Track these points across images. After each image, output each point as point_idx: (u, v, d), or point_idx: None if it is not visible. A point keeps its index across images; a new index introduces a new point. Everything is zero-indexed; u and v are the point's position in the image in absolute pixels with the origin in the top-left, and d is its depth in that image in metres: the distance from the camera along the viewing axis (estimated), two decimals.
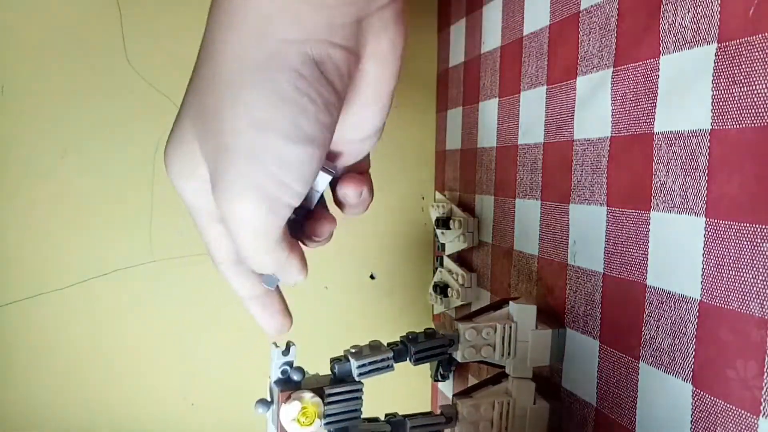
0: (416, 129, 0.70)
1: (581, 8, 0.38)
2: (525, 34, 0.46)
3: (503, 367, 0.41)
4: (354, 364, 0.35)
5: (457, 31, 0.61)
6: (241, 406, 0.68)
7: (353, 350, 0.35)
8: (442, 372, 0.60)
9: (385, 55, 0.26)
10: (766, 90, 0.25)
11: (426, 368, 0.65)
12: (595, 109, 0.37)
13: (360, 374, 0.35)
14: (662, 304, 0.31)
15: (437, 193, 0.67)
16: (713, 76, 0.28)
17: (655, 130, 0.32)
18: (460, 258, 0.59)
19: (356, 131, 0.29)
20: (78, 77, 0.61)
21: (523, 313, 0.39)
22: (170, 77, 0.63)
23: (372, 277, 0.70)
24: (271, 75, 0.23)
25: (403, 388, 0.70)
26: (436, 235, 0.61)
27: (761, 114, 0.25)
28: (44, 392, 0.63)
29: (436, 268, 0.61)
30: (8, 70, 0.60)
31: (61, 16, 0.61)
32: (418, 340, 0.37)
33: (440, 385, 0.66)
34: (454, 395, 0.39)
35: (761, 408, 0.25)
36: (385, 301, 0.70)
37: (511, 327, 0.39)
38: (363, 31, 0.25)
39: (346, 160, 0.31)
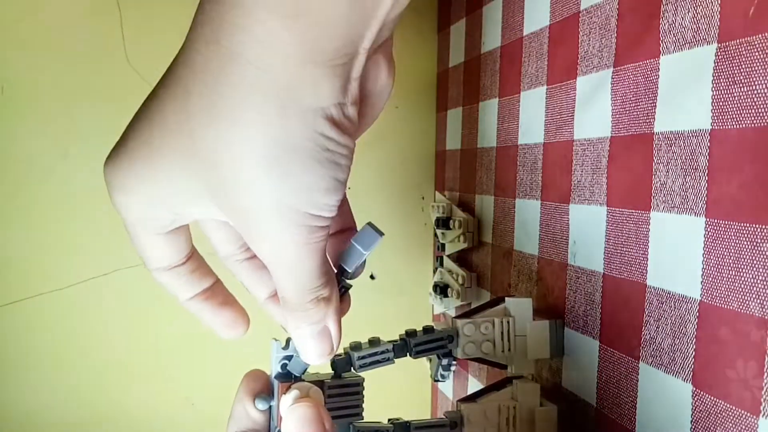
0: (416, 129, 0.70)
1: (581, 8, 0.38)
2: (525, 34, 0.46)
3: (504, 366, 0.41)
4: (354, 356, 0.35)
5: (457, 31, 0.61)
6: None
7: (352, 345, 0.35)
8: (442, 372, 0.60)
9: (377, 97, 0.28)
10: (766, 90, 0.25)
11: (426, 370, 0.65)
12: (595, 109, 0.37)
13: (360, 366, 0.35)
14: (662, 304, 0.31)
15: (437, 193, 0.67)
16: (713, 76, 0.28)
17: (655, 130, 0.32)
18: (460, 258, 0.59)
19: None
20: (78, 77, 0.61)
21: (519, 307, 0.39)
22: None
23: (372, 277, 0.70)
24: (301, 144, 0.24)
25: (404, 390, 0.70)
26: (436, 235, 0.61)
27: (761, 114, 0.25)
28: (44, 392, 0.63)
29: (436, 268, 0.61)
30: (8, 70, 0.60)
31: (61, 16, 0.61)
32: (416, 335, 0.37)
33: (440, 386, 0.66)
34: (458, 400, 0.39)
35: (761, 408, 0.25)
36: (385, 301, 0.70)
37: (509, 321, 0.39)
38: (363, 79, 0.26)
39: None
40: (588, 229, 0.37)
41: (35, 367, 0.63)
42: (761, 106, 0.25)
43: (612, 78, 0.35)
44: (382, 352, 0.35)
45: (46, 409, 0.64)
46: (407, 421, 0.37)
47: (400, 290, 0.70)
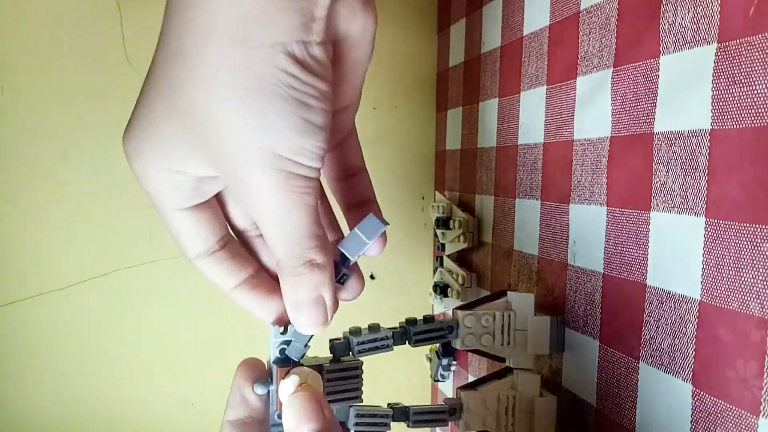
0: (416, 129, 0.70)
1: (581, 8, 0.38)
2: (525, 34, 0.46)
3: (504, 360, 0.41)
4: (353, 341, 0.34)
5: (457, 31, 0.61)
6: None
7: (352, 330, 0.35)
8: (442, 372, 0.60)
9: (356, 40, 0.28)
10: (766, 90, 0.25)
11: (426, 370, 0.65)
12: (595, 109, 0.37)
13: (359, 351, 0.34)
14: (662, 304, 0.31)
15: (437, 193, 0.67)
16: (713, 76, 0.28)
17: (655, 130, 0.32)
18: (460, 258, 0.59)
19: (333, 104, 0.29)
20: (78, 77, 0.61)
21: (521, 301, 0.39)
22: None
23: (372, 277, 0.70)
24: (264, 81, 0.24)
25: (403, 390, 0.71)
26: (436, 235, 0.61)
27: (761, 114, 0.25)
28: (44, 392, 0.63)
29: (436, 268, 0.61)
30: (8, 70, 0.60)
31: (61, 16, 0.61)
32: (417, 324, 0.36)
33: (440, 386, 0.66)
34: (458, 388, 0.39)
35: (761, 408, 0.25)
36: (385, 300, 0.70)
37: (510, 315, 0.39)
38: (333, 21, 0.26)
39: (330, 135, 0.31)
40: (588, 229, 0.37)
41: (35, 367, 0.63)
42: (761, 106, 0.25)
43: (612, 78, 0.35)
44: (382, 339, 0.35)
45: (45, 408, 0.64)
46: (406, 406, 0.37)
47: (400, 290, 0.70)
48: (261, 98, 0.24)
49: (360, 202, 0.34)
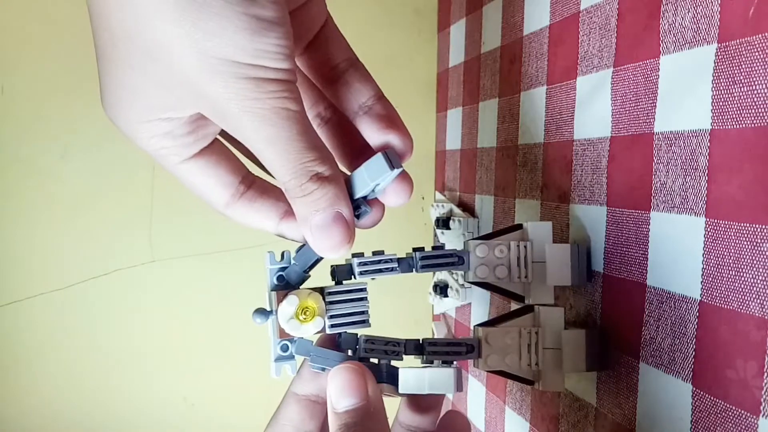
0: (416, 129, 0.69)
1: (581, 8, 0.38)
2: (525, 34, 0.46)
3: (522, 299, 0.37)
4: (355, 262, 0.32)
5: (457, 31, 0.61)
6: (241, 405, 0.68)
7: (354, 254, 0.33)
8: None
9: None
10: (766, 90, 0.25)
11: None
12: (595, 109, 0.37)
13: (361, 273, 0.32)
14: (662, 304, 0.31)
15: (437, 193, 0.67)
16: (713, 76, 0.28)
17: (655, 130, 0.32)
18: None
19: None
20: (78, 77, 0.61)
21: (538, 230, 0.36)
22: None
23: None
24: None
25: None
26: (436, 235, 0.61)
27: (761, 114, 0.25)
28: (44, 392, 0.63)
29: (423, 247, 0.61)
30: (8, 70, 0.60)
31: (61, 16, 0.61)
32: (424, 250, 0.34)
33: None
34: (475, 325, 0.36)
35: (761, 408, 0.25)
36: (384, 300, 0.70)
37: (525, 246, 0.35)
38: None
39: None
40: (588, 229, 0.37)
41: (35, 367, 0.63)
42: (761, 106, 0.25)
43: (612, 78, 0.35)
44: (386, 261, 0.32)
45: (45, 408, 0.64)
46: (420, 340, 0.34)
47: (400, 290, 0.70)
48: (195, 2, 0.22)
49: (372, 119, 0.30)
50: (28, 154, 0.61)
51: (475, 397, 0.53)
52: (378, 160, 0.28)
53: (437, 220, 0.58)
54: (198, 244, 0.66)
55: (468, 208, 0.57)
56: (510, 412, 0.47)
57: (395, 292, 0.70)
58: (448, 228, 0.56)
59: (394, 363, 0.33)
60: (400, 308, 0.71)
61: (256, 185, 0.30)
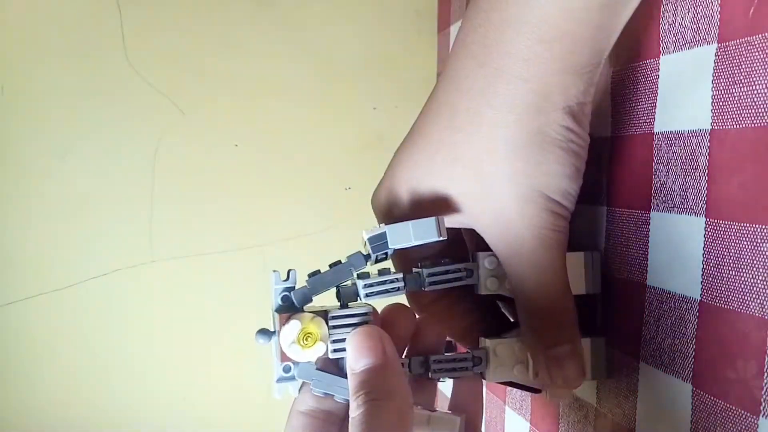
0: None
1: None
2: None
3: (538, 391, 0.37)
4: (360, 284, 0.32)
5: (457, 31, 0.61)
6: (241, 405, 0.68)
7: (360, 274, 0.32)
8: None
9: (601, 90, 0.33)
10: (766, 90, 0.25)
11: None
12: (595, 109, 0.37)
13: (367, 295, 0.32)
14: (662, 304, 0.31)
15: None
16: (713, 76, 0.28)
17: (655, 130, 0.32)
18: None
19: None
20: (78, 77, 0.61)
21: None
22: (170, 77, 0.63)
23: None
24: (547, 134, 0.28)
25: None
26: None
27: (761, 114, 0.25)
28: (44, 392, 0.63)
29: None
30: (8, 70, 0.60)
31: (61, 16, 0.61)
32: (431, 266, 0.33)
33: (440, 386, 0.66)
34: (482, 337, 0.36)
35: (761, 408, 0.25)
36: (384, 301, 0.70)
37: None
38: None
39: None
40: (588, 229, 0.37)
41: (35, 367, 0.63)
42: (761, 106, 0.25)
43: (612, 78, 0.35)
44: (392, 281, 0.32)
45: (45, 408, 0.64)
46: (426, 357, 0.34)
47: None
48: (547, 150, 0.28)
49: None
50: (29, 155, 0.61)
51: None
52: (429, 223, 0.29)
53: None
54: (198, 244, 0.66)
55: None
56: (510, 412, 0.47)
57: None
58: None
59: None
60: None
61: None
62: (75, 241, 0.63)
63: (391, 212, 0.33)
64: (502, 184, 0.28)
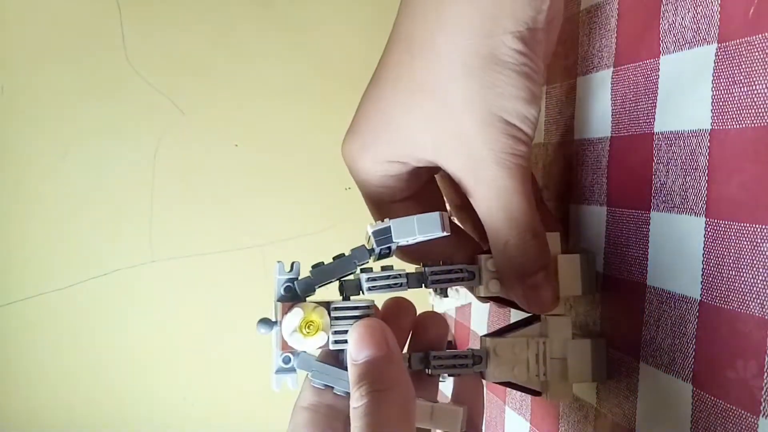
0: None
1: (581, 8, 0.38)
2: None
3: (537, 392, 0.37)
4: (363, 277, 0.32)
5: None
6: (241, 405, 0.68)
7: (363, 269, 0.33)
8: None
9: (555, 18, 0.31)
10: (766, 90, 0.25)
11: None
12: (594, 109, 0.37)
13: (369, 288, 0.32)
14: (662, 304, 0.31)
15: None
16: (713, 76, 0.28)
17: (655, 130, 0.32)
18: None
19: None
20: (78, 77, 0.61)
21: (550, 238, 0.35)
22: (170, 77, 0.63)
23: None
24: (499, 57, 0.28)
25: None
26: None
27: (761, 114, 0.25)
28: (44, 392, 0.63)
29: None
30: (8, 70, 0.60)
31: (61, 16, 0.61)
32: (434, 266, 0.34)
33: (440, 386, 0.66)
34: (482, 336, 0.36)
35: (761, 408, 0.25)
36: (385, 296, 0.70)
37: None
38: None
39: None
40: (588, 230, 0.37)
41: (35, 367, 0.63)
42: (761, 106, 0.25)
43: (612, 78, 0.35)
44: (395, 276, 0.32)
45: (45, 408, 0.64)
46: (426, 353, 0.34)
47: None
48: (500, 72, 0.28)
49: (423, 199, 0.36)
50: (29, 154, 0.61)
51: None
52: (433, 218, 0.29)
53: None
54: (198, 244, 0.66)
55: None
56: (510, 412, 0.47)
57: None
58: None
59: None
60: None
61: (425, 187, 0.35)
62: (75, 241, 0.63)
63: (361, 155, 0.33)
64: (461, 110, 0.29)
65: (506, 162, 0.29)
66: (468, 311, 0.56)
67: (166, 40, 0.63)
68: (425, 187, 0.35)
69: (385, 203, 0.34)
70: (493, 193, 0.30)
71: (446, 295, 0.58)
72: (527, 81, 0.29)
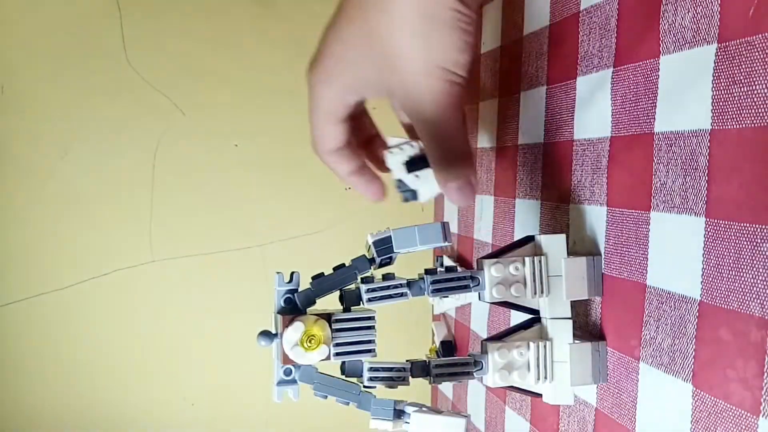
0: None
1: (581, 8, 0.38)
2: (525, 34, 0.46)
3: (537, 312, 0.37)
4: (363, 288, 0.32)
5: None
6: (241, 405, 0.68)
7: (364, 279, 0.32)
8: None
9: None
10: (766, 90, 0.25)
11: None
12: (595, 109, 0.37)
13: (369, 300, 0.32)
14: (662, 304, 0.31)
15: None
16: (713, 76, 0.28)
17: (655, 130, 0.32)
18: (460, 257, 0.59)
19: None
20: (78, 77, 0.61)
21: (552, 243, 0.35)
22: (170, 77, 0.63)
23: None
24: (438, 14, 0.32)
25: (403, 390, 0.70)
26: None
27: (761, 114, 0.25)
28: (44, 392, 0.63)
29: (436, 268, 0.61)
30: (8, 70, 0.60)
31: (62, 16, 0.61)
32: (436, 273, 0.33)
33: (440, 386, 0.66)
34: (483, 340, 0.36)
35: (761, 408, 0.25)
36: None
37: (540, 260, 0.35)
38: None
39: None
40: (588, 229, 0.37)
41: (35, 367, 0.63)
42: (761, 106, 0.25)
43: (612, 78, 0.35)
44: (395, 286, 0.32)
45: (45, 408, 0.64)
46: (426, 360, 0.34)
47: None
48: (436, 25, 0.32)
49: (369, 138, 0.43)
50: (29, 155, 0.61)
51: (475, 397, 0.53)
52: (435, 228, 0.30)
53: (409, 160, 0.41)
54: (198, 244, 0.66)
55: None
56: (510, 412, 0.47)
57: None
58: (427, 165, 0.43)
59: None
60: (400, 309, 0.70)
61: (349, 146, 0.40)
62: (75, 240, 0.63)
63: (324, 85, 0.37)
64: (407, 59, 0.33)
65: (443, 102, 0.34)
66: (468, 311, 0.56)
67: (166, 40, 0.63)
68: (363, 113, 0.42)
69: (329, 121, 0.38)
70: (432, 127, 0.35)
71: (446, 296, 0.58)
72: (464, 34, 0.33)
